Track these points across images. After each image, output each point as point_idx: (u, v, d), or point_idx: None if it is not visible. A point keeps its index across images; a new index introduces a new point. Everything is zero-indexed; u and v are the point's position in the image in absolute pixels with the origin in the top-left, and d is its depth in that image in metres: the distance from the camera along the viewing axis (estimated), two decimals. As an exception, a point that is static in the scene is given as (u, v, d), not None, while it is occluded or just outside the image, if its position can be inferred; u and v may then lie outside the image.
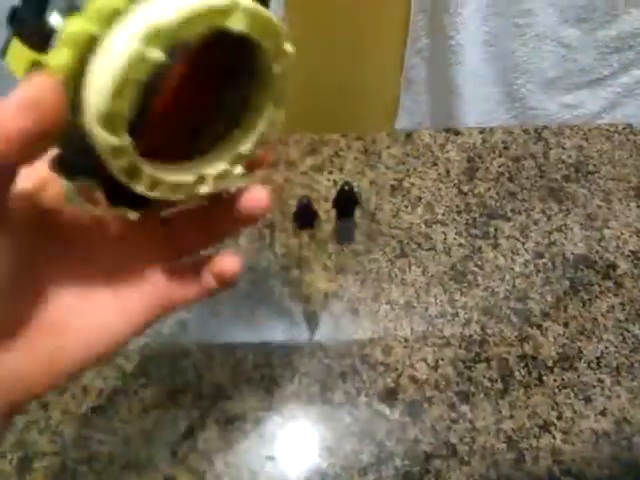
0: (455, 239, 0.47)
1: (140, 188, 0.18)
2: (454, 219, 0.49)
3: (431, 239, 0.47)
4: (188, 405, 0.39)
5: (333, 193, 0.47)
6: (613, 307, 0.43)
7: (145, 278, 0.23)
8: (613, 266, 0.46)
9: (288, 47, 0.18)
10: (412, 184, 0.51)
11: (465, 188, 0.51)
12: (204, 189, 0.20)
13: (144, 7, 0.15)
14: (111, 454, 0.37)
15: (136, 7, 0.15)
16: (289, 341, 0.42)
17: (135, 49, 0.15)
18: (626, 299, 0.44)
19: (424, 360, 0.41)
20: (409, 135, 0.54)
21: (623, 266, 0.46)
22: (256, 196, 0.22)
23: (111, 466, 0.37)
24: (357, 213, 0.48)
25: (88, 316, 0.21)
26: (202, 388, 0.40)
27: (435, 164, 0.52)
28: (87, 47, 0.15)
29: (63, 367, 0.21)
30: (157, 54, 0.15)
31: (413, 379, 0.40)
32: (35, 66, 0.16)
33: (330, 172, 0.52)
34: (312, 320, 0.43)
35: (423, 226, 0.48)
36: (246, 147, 0.21)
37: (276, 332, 0.42)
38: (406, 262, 0.46)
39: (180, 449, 0.37)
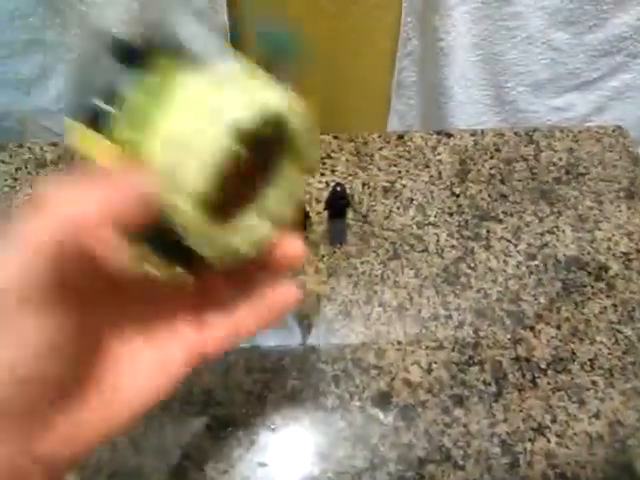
0: (447, 241, 0.47)
1: (206, 251, 0.20)
2: (446, 221, 0.48)
3: (423, 241, 0.47)
4: (178, 411, 0.38)
5: (325, 195, 0.46)
6: (605, 308, 0.43)
7: (180, 329, 0.23)
8: (605, 267, 0.46)
9: (309, 127, 0.21)
10: (404, 186, 0.51)
11: (457, 190, 0.50)
12: (245, 248, 0.22)
13: (226, 100, 0.18)
14: (99, 462, 0.36)
15: (212, 99, 0.18)
16: (281, 345, 0.41)
17: (224, 145, 0.18)
18: (618, 300, 0.44)
19: (417, 363, 0.41)
20: (401, 137, 0.54)
21: (615, 267, 0.46)
22: (292, 246, 0.23)
23: (99, 474, 0.36)
24: (349, 215, 0.48)
25: (136, 372, 0.22)
26: (192, 394, 0.39)
27: (427, 166, 0.52)
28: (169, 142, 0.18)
29: (115, 422, 0.21)
30: (238, 147, 0.18)
31: (407, 382, 0.40)
32: (107, 149, 0.18)
33: (322, 174, 0.51)
34: (304, 323, 0.42)
35: (415, 228, 0.48)
36: (277, 209, 0.22)
37: (268, 336, 0.42)
38: (399, 264, 0.46)
39: (170, 456, 0.36)
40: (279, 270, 0.24)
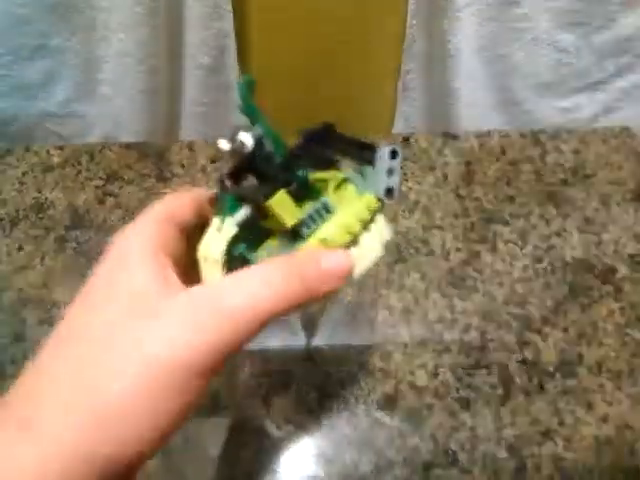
0: (453, 243, 0.47)
1: None
2: (452, 223, 0.48)
3: (429, 244, 0.47)
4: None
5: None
6: (613, 311, 0.43)
7: None
8: (612, 270, 0.45)
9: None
10: (410, 188, 0.50)
11: (463, 192, 0.50)
12: None
13: (379, 225, 0.25)
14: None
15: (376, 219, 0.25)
16: (286, 348, 0.41)
17: (381, 251, 0.24)
18: (626, 303, 0.44)
19: (423, 367, 0.40)
20: (406, 139, 0.54)
21: (622, 270, 0.45)
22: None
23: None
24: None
25: None
26: (198, 396, 0.39)
27: (432, 168, 0.52)
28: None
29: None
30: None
31: (412, 386, 0.40)
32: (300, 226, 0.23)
33: (327, 177, 0.51)
34: (310, 326, 0.42)
35: (421, 231, 0.48)
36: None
37: (273, 338, 0.42)
38: (404, 267, 0.45)
39: (176, 460, 0.37)
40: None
